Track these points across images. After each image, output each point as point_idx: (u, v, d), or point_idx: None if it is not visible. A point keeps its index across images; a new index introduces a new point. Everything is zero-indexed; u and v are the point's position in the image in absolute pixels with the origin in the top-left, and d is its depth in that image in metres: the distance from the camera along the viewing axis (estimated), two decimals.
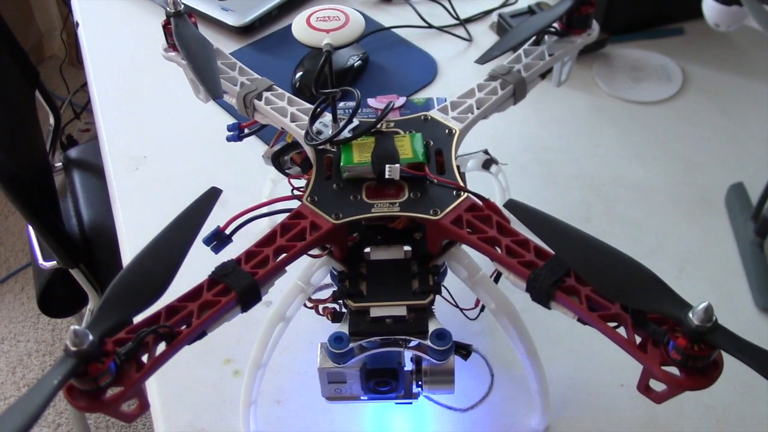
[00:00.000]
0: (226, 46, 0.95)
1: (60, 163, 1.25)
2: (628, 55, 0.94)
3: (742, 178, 0.76)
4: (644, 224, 0.74)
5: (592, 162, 0.81)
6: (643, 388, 0.41)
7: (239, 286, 0.44)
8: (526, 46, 0.61)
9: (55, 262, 1.02)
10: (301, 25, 0.52)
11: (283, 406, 0.60)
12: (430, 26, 0.99)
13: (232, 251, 0.47)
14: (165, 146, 0.84)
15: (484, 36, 0.98)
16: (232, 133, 0.62)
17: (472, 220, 0.47)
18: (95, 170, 1.17)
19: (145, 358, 0.40)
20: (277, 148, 0.59)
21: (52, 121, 1.24)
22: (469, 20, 1.00)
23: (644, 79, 0.91)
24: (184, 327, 0.42)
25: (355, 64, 0.90)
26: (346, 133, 0.52)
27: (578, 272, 0.42)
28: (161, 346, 0.41)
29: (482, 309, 0.54)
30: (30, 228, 1.08)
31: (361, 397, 0.51)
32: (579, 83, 0.90)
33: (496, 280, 0.51)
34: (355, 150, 0.51)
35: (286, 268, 0.46)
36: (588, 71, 0.92)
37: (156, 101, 0.90)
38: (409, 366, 0.51)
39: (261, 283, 0.45)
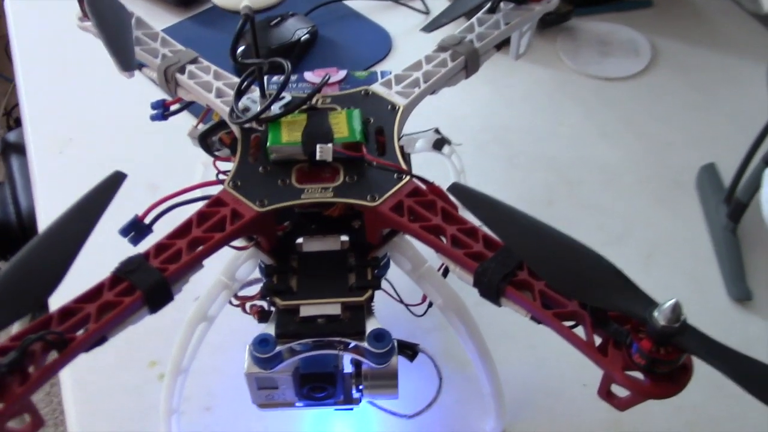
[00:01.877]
0: (163, 19, 0.89)
1: None
2: (593, 28, 0.91)
3: (714, 159, 0.73)
4: (610, 208, 0.71)
5: (556, 142, 0.77)
6: (605, 393, 0.37)
7: (145, 284, 0.38)
8: (479, 14, 0.56)
9: None
10: None
11: (213, 412, 0.55)
12: None
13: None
14: (92, 127, 0.78)
15: (442, 8, 0.92)
16: (156, 111, 0.57)
17: (414, 207, 0.42)
18: None
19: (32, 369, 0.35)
20: (205, 127, 0.53)
21: None
22: None
23: (611, 54, 0.87)
24: (82, 332, 0.37)
25: (302, 38, 0.84)
26: (275, 110, 0.47)
27: (530, 265, 0.38)
28: (53, 355, 0.36)
29: (430, 305, 0.50)
30: None
31: (297, 404, 0.46)
32: (542, 58, 0.86)
33: (445, 273, 0.47)
34: (284, 128, 0.46)
35: (204, 262, 0.41)
36: (552, 45, 0.88)
37: (84, 78, 0.84)
38: (349, 368, 0.46)
39: (171, 280, 0.39)
